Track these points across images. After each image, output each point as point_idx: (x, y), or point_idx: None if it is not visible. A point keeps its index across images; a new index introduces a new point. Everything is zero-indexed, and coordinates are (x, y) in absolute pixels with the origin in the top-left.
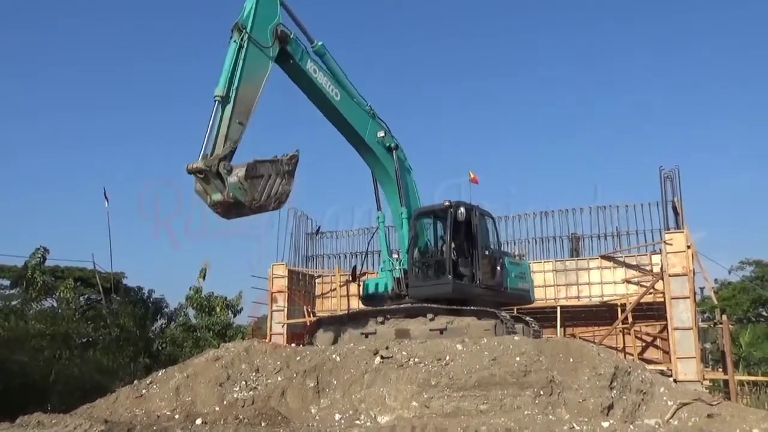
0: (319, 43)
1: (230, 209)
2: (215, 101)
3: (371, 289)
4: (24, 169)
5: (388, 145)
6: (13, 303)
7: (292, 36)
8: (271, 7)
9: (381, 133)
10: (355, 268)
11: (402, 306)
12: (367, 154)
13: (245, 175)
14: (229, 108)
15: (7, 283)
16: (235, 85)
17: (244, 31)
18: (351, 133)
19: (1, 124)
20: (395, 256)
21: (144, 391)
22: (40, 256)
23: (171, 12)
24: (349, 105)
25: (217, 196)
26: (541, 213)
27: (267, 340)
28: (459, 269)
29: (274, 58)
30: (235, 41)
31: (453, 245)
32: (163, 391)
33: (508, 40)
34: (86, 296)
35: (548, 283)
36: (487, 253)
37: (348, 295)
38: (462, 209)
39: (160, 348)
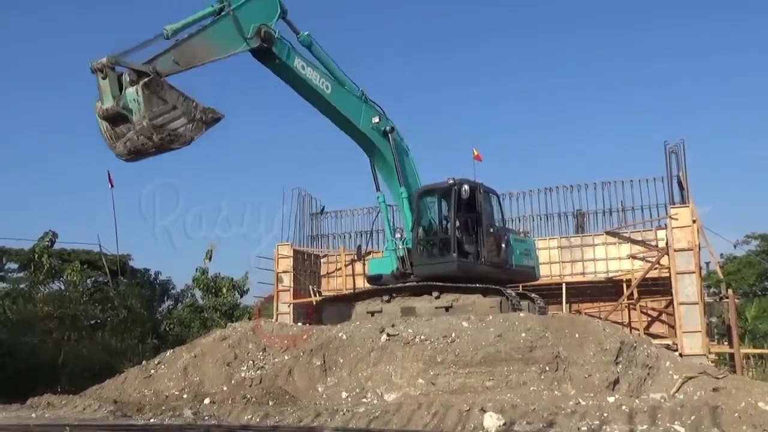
0: (305, 33)
1: (116, 122)
2: (164, 34)
3: (376, 269)
4: (29, 153)
5: (383, 129)
6: (21, 286)
7: (277, 36)
8: (269, 8)
9: (375, 119)
10: (360, 247)
11: (407, 284)
12: (363, 141)
13: (145, 85)
14: (171, 44)
15: (15, 266)
16: (192, 32)
17: (225, 2)
18: (345, 122)
19: (8, 107)
20: (398, 235)
21: (152, 371)
22: (48, 240)
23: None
24: (341, 95)
25: (108, 102)
26: (545, 189)
27: (273, 320)
28: (464, 247)
29: (249, 49)
30: (213, 6)
31: (457, 223)
32: (171, 371)
33: (508, 12)
34: (93, 279)
35: (553, 259)
36: (491, 230)
37: (353, 274)
38: (466, 187)
39: (167, 329)
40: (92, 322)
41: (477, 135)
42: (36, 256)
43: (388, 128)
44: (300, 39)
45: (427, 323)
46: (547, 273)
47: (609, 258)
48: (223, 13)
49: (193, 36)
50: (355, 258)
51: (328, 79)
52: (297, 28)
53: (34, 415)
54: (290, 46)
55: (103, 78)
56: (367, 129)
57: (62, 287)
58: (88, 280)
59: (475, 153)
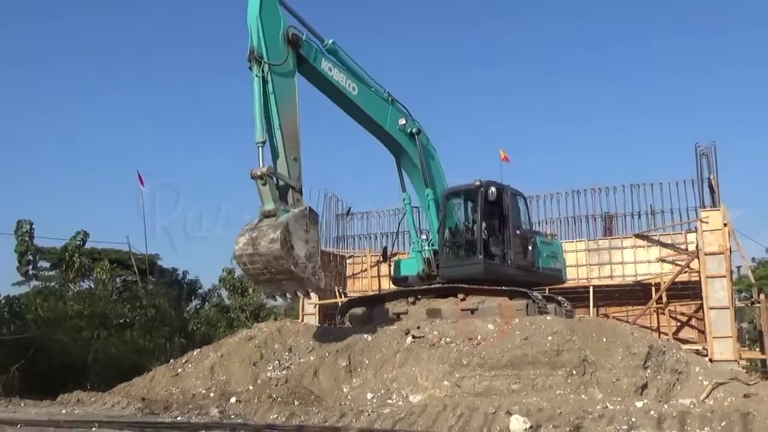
0: (330, 41)
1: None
2: (258, 147)
3: (402, 270)
4: (62, 154)
5: (410, 131)
6: (52, 284)
7: (304, 38)
8: (273, 14)
9: (402, 121)
10: (386, 248)
11: (433, 286)
12: (390, 143)
13: (311, 211)
14: (281, 154)
15: (47, 265)
16: (277, 124)
17: (262, 61)
18: (372, 124)
19: (42, 108)
20: (423, 236)
21: (180, 370)
22: (80, 239)
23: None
24: (368, 97)
25: (269, 205)
26: (573, 192)
27: (299, 321)
28: (490, 249)
29: (296, 70)
30: (257, 75)
31: (484, 225)
32: (198, 370)
33: (532, 13)
34: (122, 278)
35: (581, 262)
36: (518, 232)
37: (379, 276)
38: (493, 189)
39: (194, 328)
40: (121, 320)
41: (503, 136)
42: (68, 255)
43: (414, 130)
44: (326, 47)
45: (452, 325)
46: (575, 276)
47: (637, 261)
48: (266, 75)
49: (280, 122)
50: (381, 259)
51: (355, 82)
52: (322, 36)
53: (64, 411)
54: (317, 47)
55: (263, 184)
56: (394, 131)
57: (92, 286)
58: (118, 279)
59: (503, 154)
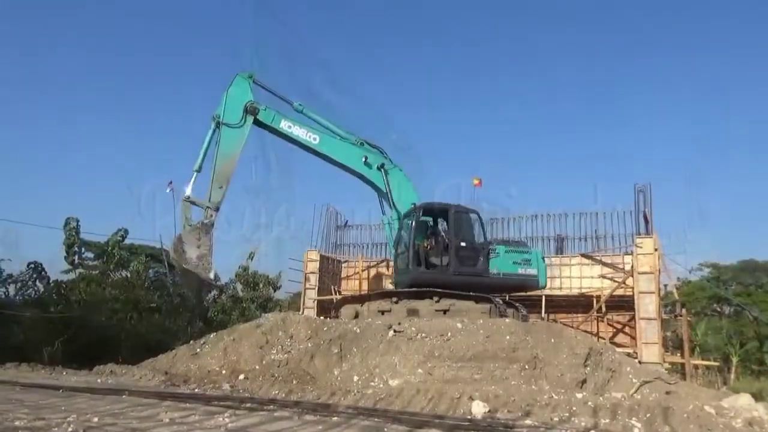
0: (297, 103)
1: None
2: (194, 172)
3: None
4: (110, 159)
5: (375, 165)
6: (95, 273)
7: (261, 108)
8: (242, 90)
9: (364, 158)
10: None
11: (411, 289)
12: (359, 177)
13: (206, 225)
14: (210, 181)
15: (91, 256)
16: (213, 163)
17: (217, 120)
18: (338, 164)
19: (82, 116)
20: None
21: (198, 350)
22: (120, 235)
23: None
24: (328, 144)
25: (185, 221)
26: (532, 216)
27: (300, 313)
28: (430, 260)
29: (248, 128)
30: (212, 127)
31: (426, 240)
32: (213, 350)
33: (492, 49)
34: (154, 270)
35: None
36: (463, 244)
37: (368, 278)
38: (432, 208)
39: (212, 315)
40: (151, 305)
41: (482, 161)
42: (109, 248)
43: (378, 165)
44: (294, 107)
45: (427, 323)
46: None
47: (583, 276)
48: (218, 129)
49: (216, 164)
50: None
51: (317, 132)
52: (289, 100)
53: (99, 380)
54: (276, 112)
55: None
56: (358, 166)
57: (128, 275)
58: (150, 271)
59: (476, 181)
